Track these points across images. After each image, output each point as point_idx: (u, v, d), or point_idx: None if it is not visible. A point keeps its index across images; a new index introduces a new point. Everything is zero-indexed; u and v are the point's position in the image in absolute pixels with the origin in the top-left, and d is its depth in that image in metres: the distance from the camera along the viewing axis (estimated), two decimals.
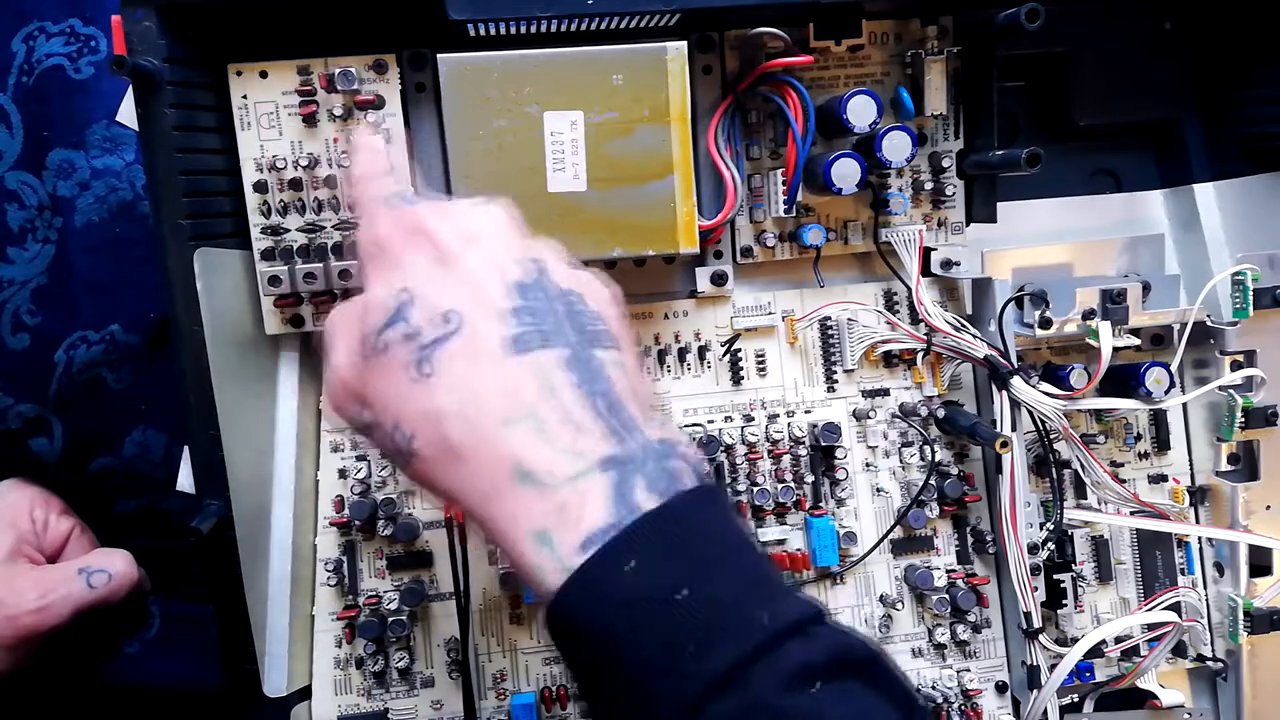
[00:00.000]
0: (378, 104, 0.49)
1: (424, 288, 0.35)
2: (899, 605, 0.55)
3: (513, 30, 0.48)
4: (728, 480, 0.54)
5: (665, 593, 0.30)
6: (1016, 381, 0.51)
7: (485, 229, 0.37)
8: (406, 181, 0.41)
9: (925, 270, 0.55)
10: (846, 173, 0.49)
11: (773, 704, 0.29)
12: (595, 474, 0.32)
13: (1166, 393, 0.52)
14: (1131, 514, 0.55)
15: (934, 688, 0.55)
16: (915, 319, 0.55)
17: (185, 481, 0.48)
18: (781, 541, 0.55)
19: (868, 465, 0.56)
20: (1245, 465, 0.55)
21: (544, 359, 0.34)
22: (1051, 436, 0.53)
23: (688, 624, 0.30)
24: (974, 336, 0.53)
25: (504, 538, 0.33)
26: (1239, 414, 0.53)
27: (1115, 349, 0.51)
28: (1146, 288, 0.54)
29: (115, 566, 0.50)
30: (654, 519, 0.31)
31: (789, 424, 0.55)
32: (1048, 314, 0.52)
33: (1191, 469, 0.57)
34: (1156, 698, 0.56)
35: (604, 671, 0.31)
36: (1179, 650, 0.56)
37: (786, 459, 0.55)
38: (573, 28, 0.47)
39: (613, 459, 0.33)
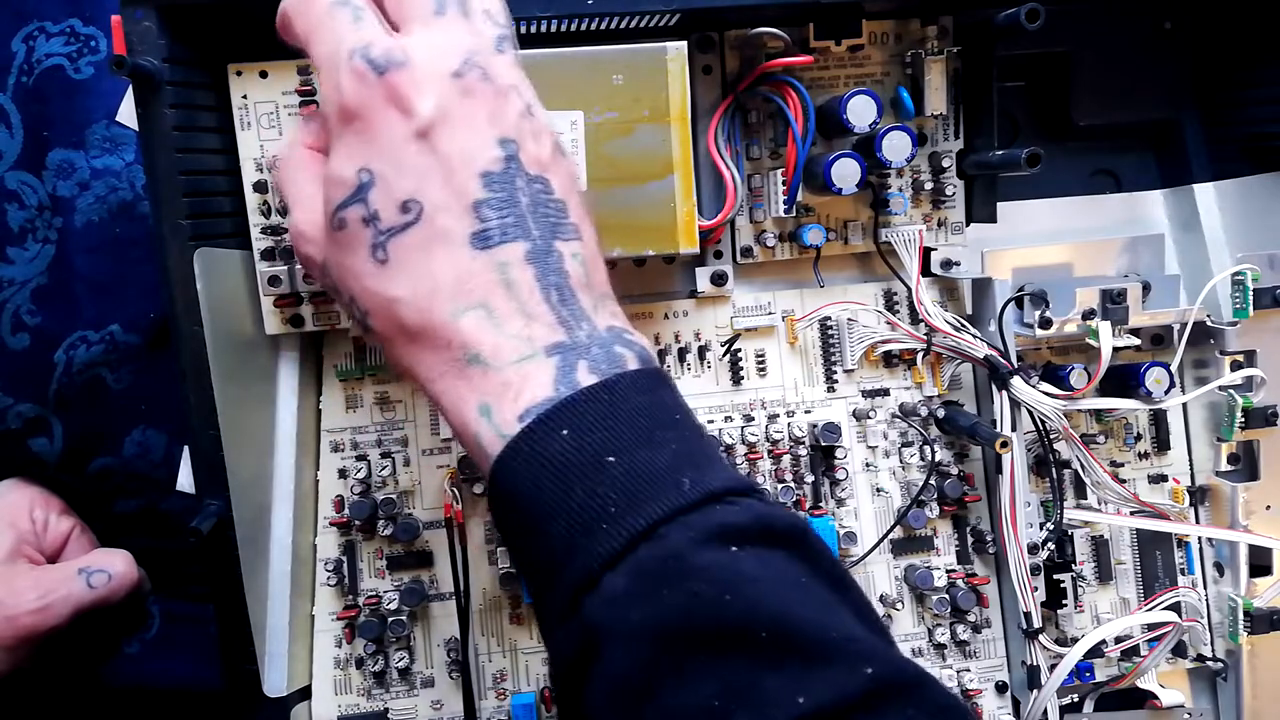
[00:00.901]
0: None
1: (387, 169, 0.34)
2: (899, 605, 0.55)
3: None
4: None
5: (595, 457, 0.32)
6: (1016, 381, 0.51)
7: (460, 104, 0.35)
8: (375, 24, 0.36)
9: (925, 270, 0.55)
10: (846, 173, 0.49)
11: (688, 556, 0.30)
12: (540, 358, 0.34)
13: (1166, 393, 0.52)
14: (1131, 514, 0.55)
15: None
16: (915, 319, 0.55)
17: (185, 481, 0.48)
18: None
19: (868, 465, 0.56)
20: (1245, 465, 0.55)
21: (503, 254, 0.35)
22: (1051, 436, 0.53)
23: (613, 487, 0.31)
24: (974, 336, 0.53)
25: (453, 413, 0.35)
26: (1239, 414, 0.53)
27: (1115, 349, 0.51)
28: (1146, 288, 0.54)
29: (115, 566, 0.50)
30: (591, 392, 0.33)
31: (789, 424, 0.55)
32: (1048, 314, 0.52)
33: (1191, 469, 0.57)
34: (1156, 698, 0.56)
35: (533, 533, 0.32)
36: (1179, 650, 0.56)
37: (786, 459, 0.55)
38: (573, 28, 0.47)
39: (559, 345, 0.34)
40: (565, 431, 0.32)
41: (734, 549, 0.30)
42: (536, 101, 0.38)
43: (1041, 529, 0.54)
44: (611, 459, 0.32)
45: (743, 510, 0.32)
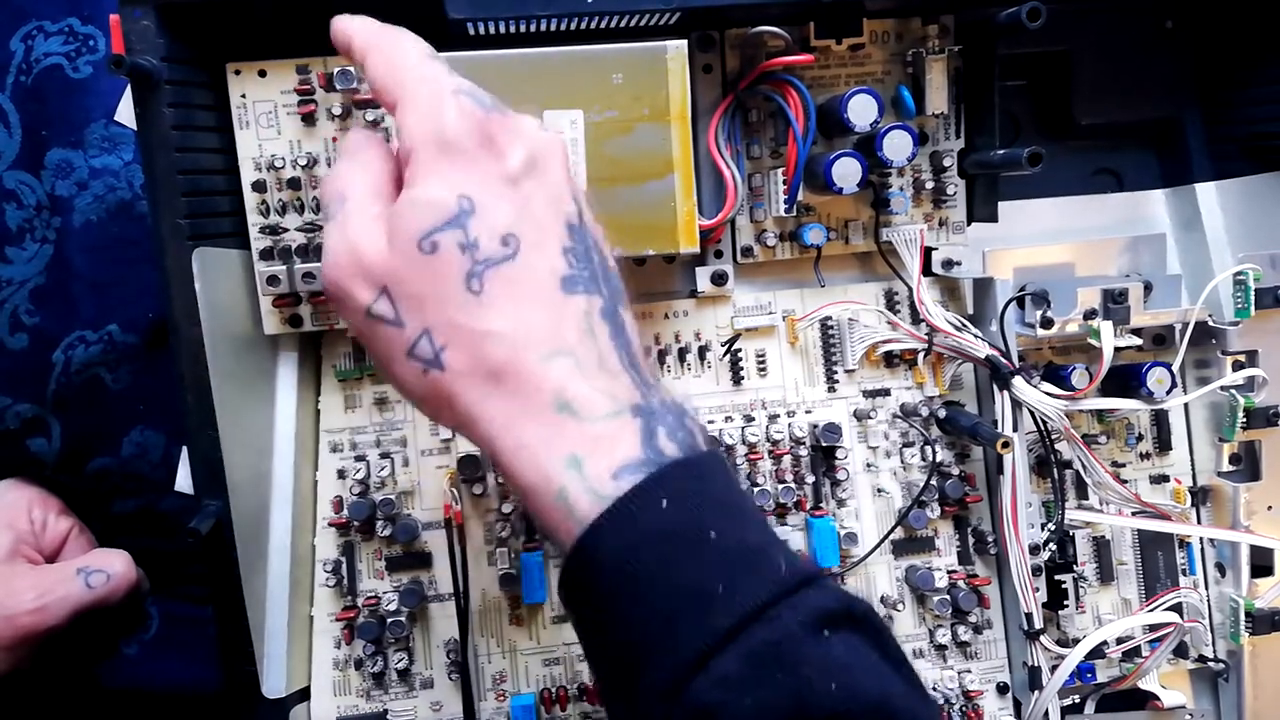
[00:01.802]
0: (377, 103, 0.48)
1: (487, 201, 0.34)
2: (900, 606, 0.55)
3: (512, 29, 0.47)
4: None
5: (697, 532, 0.31)
6: (1018, 381, 0.51)
7: (549, 155, 0.36)
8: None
9: (926, 270, 0.55)
10: (847, 172, 0.49)
11: (797, 642, 0.30)
12: (626, 416, 0.33)
13: (1168, 393, 0.52)
14: (1133, 514, 0.55)
15: (935, 689, 0.55)
16: (916, 319, 0.55)
17: (184, 482, 0.48)
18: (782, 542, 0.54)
19: (868, 466, 0.56)
20: (1247, 465, 0.55)
21: (586, 304, 0.35)
22: (1053, 437, 0.53)
23: (718, 564, 0.31)
24: (975, 336, 0.53)
25: (530, 464, 0.33)
26: (1240, 414, 0.53)
27: (1117, 349, 0.51)
28: (1148, 287, 0.54)
29: (114, 567, 0.50)
30: (683, 466, 0.32)
31: (789, 424, 0.54)
32: (1049, 314, 0.52)
33: (1193, 469, 0.57)
34: (1158, 698, 0.56)
35: (627, 607, 0.31)
36: (1180, 651, 0.56)
37: (787, 459, 0.54)
38: (572, 26, 0.47)
39: (640, 407, 0.34)
40: (665, 502, 0.31)
41: (826, 633, 0.31)
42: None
43: (1043, 529, 0.53)
44: (713, 534, 0.31)
45: (829, 594, 0.32)
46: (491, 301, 0.33)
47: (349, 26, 0.38)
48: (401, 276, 0.34)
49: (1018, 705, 0.56)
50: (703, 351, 0.54)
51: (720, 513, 0.32)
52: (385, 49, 0.37)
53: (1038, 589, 0.52)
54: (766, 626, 0.30)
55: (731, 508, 0.33)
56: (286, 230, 0.49)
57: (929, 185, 0.54)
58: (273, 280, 0.49)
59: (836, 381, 0.55)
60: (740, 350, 0.55)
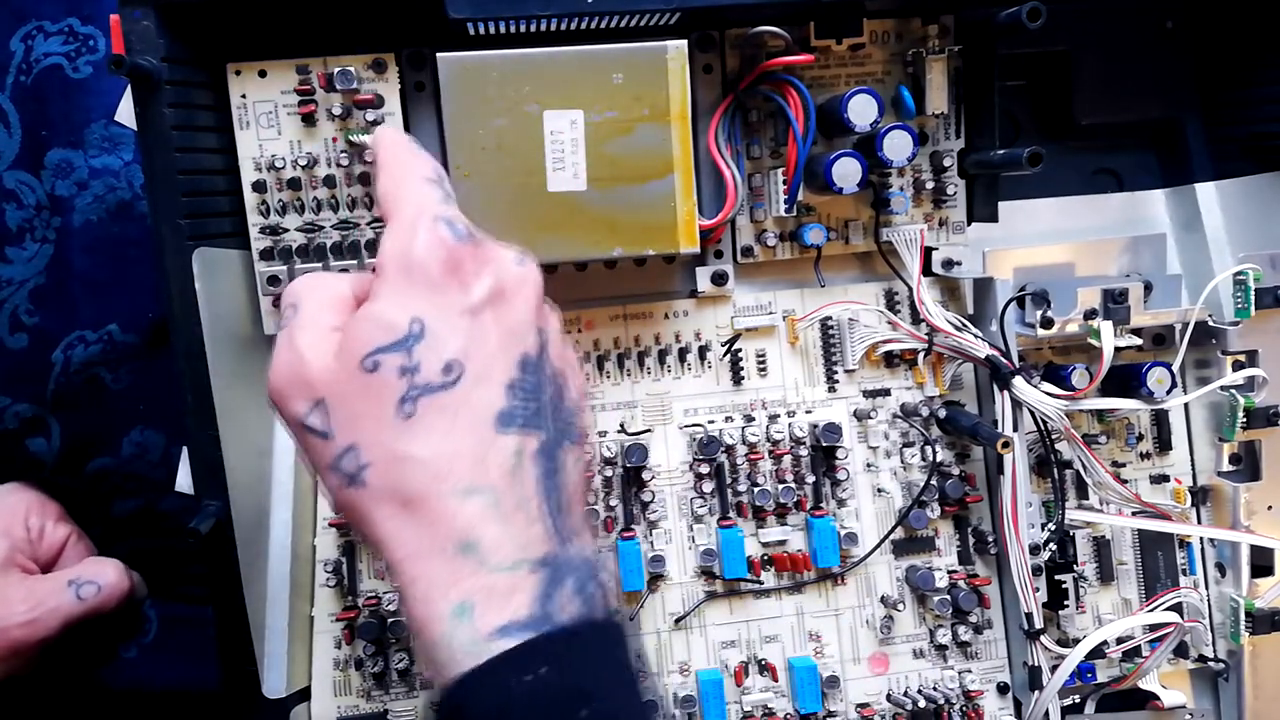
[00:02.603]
0: (377, 103, 0.49)
1: (439, 327, 0.34)
2: (900, 606, 0.55)
3: (512, 29, 0.47)
4: (728, 480, 0.54)
5: (569, 706, 0.31)
6: (1018, 381, 0.51)
7: (518, 288, 0.37)
8: (453, 196, 0.39)
9: (926, 270, 0.55)
10: (847, 172, 0.49)
11: None
12: (530, 568, 0.33)
13: (1168, 393, 0.52)
14: (1133, 514, 0.55)
15: (935, 689, 0.55)
16: (916, 319, 0.55)
17: (184, 482, 0.48)
18: (782, 542, 0.55)
19: (869, 466, 0.56)
20: (1247, 465, 0.55)
21: (520, 442, 0.35)
22: (1053, 437, 0.53)
23: None
24: (975, 336, 0.53)
25: (421, 600, 0.33)
26: (1241, 414, 0.53)
27: (1117, 349, 0.51)
28: (1148, 287, 0.54)
29: (105, 577, 0.49)
30: (572, 634, 0.32)
31: (790, 424, 0.54)
32: (1049, 314, 0.52)
33: (1193, 469, 0.57)
34: (1158, 698, 0.56)
35: None
36: (1181, 651, 0.56)
37: (787, 459, 0.54)
38: (572, 26, 0.47)
39: (549, 558, 0.33)
40: (545, 669, 0.31)
41: None
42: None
43: (1043, 529, 0.53)
44: (584, 713, 0.31)
45: None
46: (420, 428, 0.34)
47: (378, 140, 0.41)
48: (339, 391, 0.34)
49: (1018, 705, 0.56)
50: (703, 351, 0.54)
51: (599, 689, 0.32)
52: (393, 167, 0.39)
53: (1038, 589, 0.52)
54: None
55: (612, 685, 0.33)
56: (287, 230, 0.49)
57: (929, 185, 0.54)
58: (273, 280, 0.49)
59: (837, 381, 0.55)
60: (740, 350, 0.55)
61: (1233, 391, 0.53)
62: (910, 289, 0.54)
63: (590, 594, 0.34)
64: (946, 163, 0.53)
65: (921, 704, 0.54)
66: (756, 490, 0.54)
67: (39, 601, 0.47)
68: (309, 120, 0.49)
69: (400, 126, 0.49)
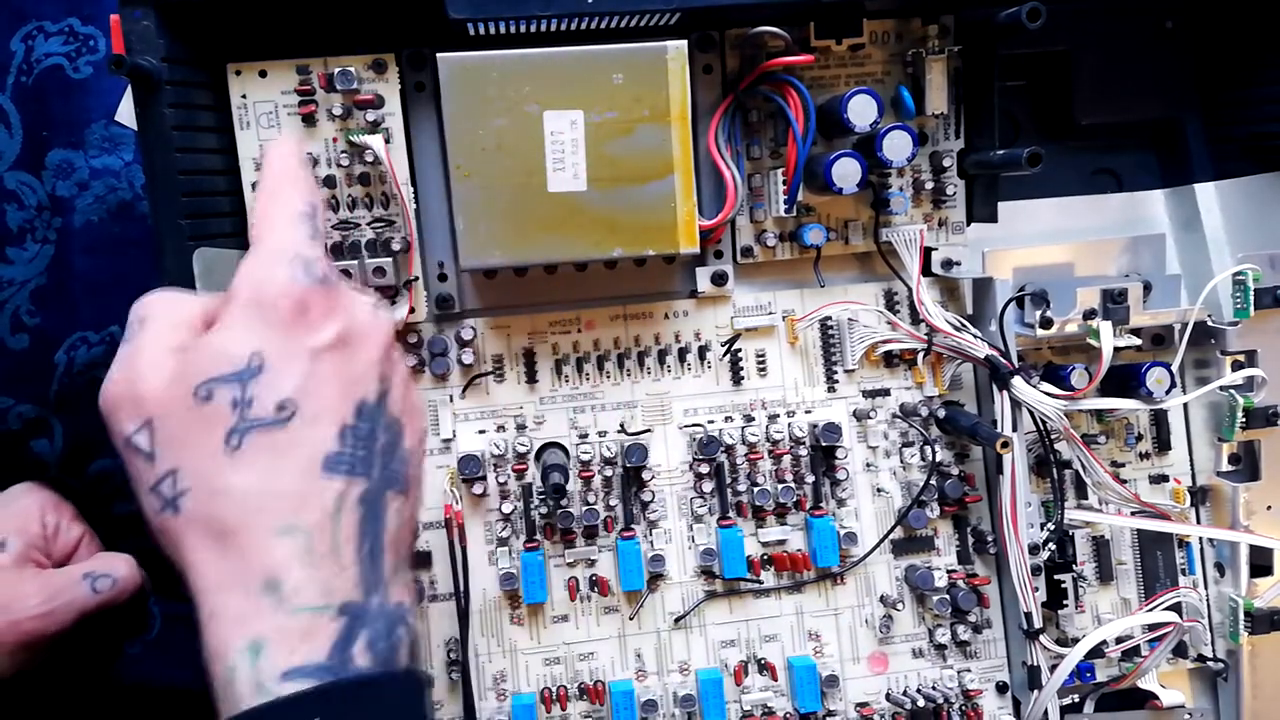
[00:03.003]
0: (377, 103, 0.49)
1: (278, 364, 0.34)
2: (900, 605, 0.55)
3: (513, 29, 0.47)
4: (728, 480, 0.54)
5: None
6: (1017, 381, 0.51)
7: (365, 336, 0.37)
8: (322, 232, 0.39)
9: (926, 270, 0.55)
10: (847, 172, 0.49)
11: None
12: (331, 614, 0.33)
13: (1167, 393, 0.52)
14: (1132, 514, 0.55)
15: (934, 688, 0.55)
16: (916, 319, 0.55)
17: None
18: (782, 542, 0.55)
19: (868, 465, 0.56)
20: (1246, 465, 0.55)
21: (344, 486, 0.35)
22: (1052, 436, 0.53)
23: None
24: (975, 336, 0.53)
25: (216, 633, 0.33)
26: (1240, 414, 0.53)
27: (1116, 349, 0.51)
28: (1147, 287, 0.54)
29: (119, 570, 0.50)
30: (356, 687, 0.32)
31: (789, 424, 0.55)
32: (1048, 314, 0.52)
33: (1192, 469, 0.57)
34: (1157, 698, 0.56)
35: None
36: (1180, 650, 0.56)
37: (787, 459, 0.54)
38: (573, 27, 0.47)
39: (351, 605, 0.34)
40: (317, 718, 0.31)
41: None
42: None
43: (1042, 529, 0.53)
44: None
45: None
46: (244, 462, 0.33)
47: (266, 157, 0.41)
48: (170, 414, 0.34)
49: (1017, 704, 0.56)
50: (703, 351, 0.54)
51: None
52: (270, 193, 0.39)
53: (1037, 588, 0.52)
54: None
55: None
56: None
57: (929, 185, 0.54)
58: None
59: (836, 381, 0.55)
60: (740, 350, 0.55)
61: (1232, 391, 0.54)
62: (910, 289, 0.54)
63: (390, 645, 0.34)
64: (946, 163, 0.53)
65: (921, 703, 0.54)
66: (756, 490, 0.54)
67: (54, 594, 0.48)
68: (309, 120, 0.49)
69: (402, 127, 0.49)
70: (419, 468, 0.39)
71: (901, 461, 0.56)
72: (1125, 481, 0.55)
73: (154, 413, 0.34)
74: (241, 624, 0.32)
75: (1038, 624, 0.52)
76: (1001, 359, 0.52)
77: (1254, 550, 0.55)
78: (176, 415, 0.34)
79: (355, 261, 0.49)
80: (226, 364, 0.34)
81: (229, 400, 0.34)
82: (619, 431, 0.54)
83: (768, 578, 0.55)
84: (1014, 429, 0.51)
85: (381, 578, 0.35)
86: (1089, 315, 0.52)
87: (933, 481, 0.55)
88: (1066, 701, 0.55)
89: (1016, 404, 0.51)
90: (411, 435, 0.38)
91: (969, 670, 0.56)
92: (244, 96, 0.48)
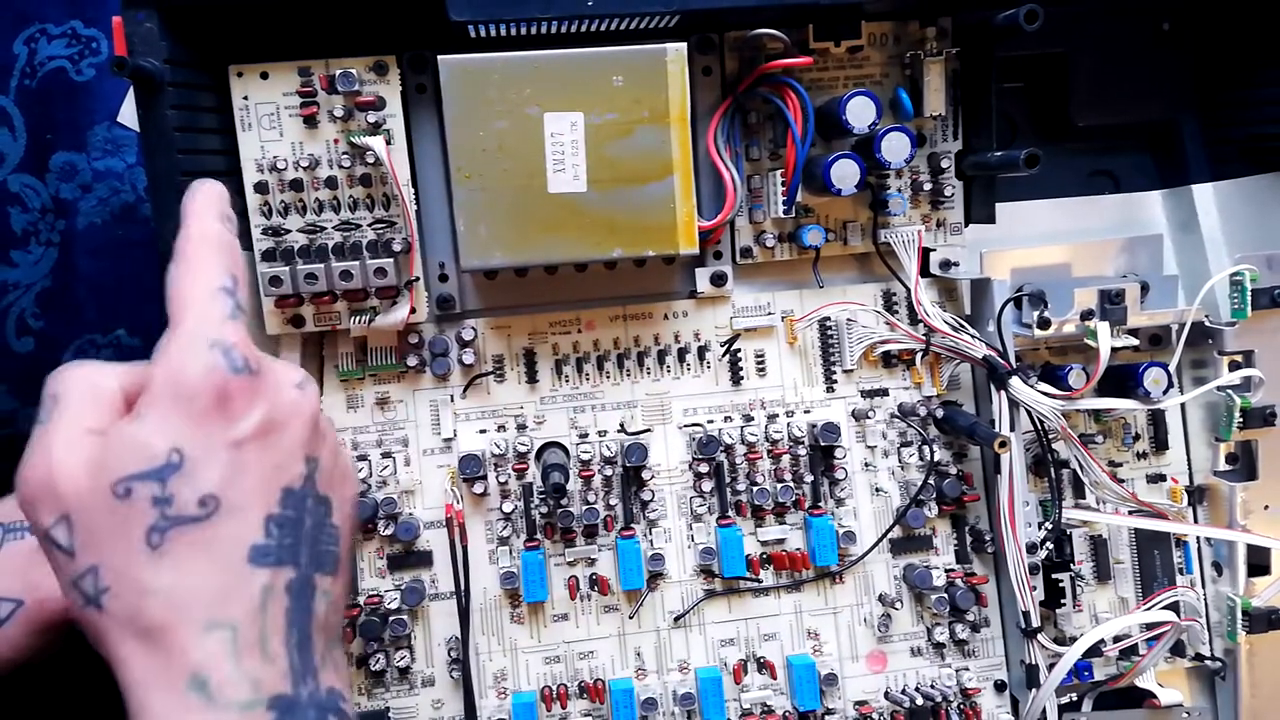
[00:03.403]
0: (378, 105, 0.49)
1: (199, 458, 0.33)
2: (898, 604, 0.55)
3: (513, 31, 0.48)
4: (727, 479, 0.54)
5: None
6: (1015, 382, 0.51)
7: (287, 421, 0.36)
8: (243, 302, 0.37)
9: (924, 271, 0.55)
10: (845, 173, 0.49)
11: None
12: (260, 709, 0.33)
13: (1165, 393, 0.52)
14: (1130, 514, 0.55)
15: (933, 686, 0.55)
16: (914, 319, 0.55)
17: None
18: (781, 541, 0.55)
19: (867, 465, 0.56)
20: (1243, 465, 0.56)
21: (271, 577, 0.34)
22: (1050, 436, 0.53)
23: None
24: (972, 337, 0.53)
25: None
26: (1237, 414, 0.54)
27: (1113, 349, 0.52)
28: (1145, 288, 0.54)
29: None
30: None
31: (788, 424, 0.55)
32: (1046, 314, 0.52)
33: (1190, 469, 0.57)
34: (1155, 697, 0.56)
35: None
36: (1177, 649, 0.56)
37: (786, 459, 0.55)
38: (573, 29, 0.48)
39: (281, 699, 0.33)
40: None
41: None
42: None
43: (1040, 528, 0.54)
44: None
45: None
46: (167, 560, 0.33)
47: (185, 211, 0.38)
48: (88, 509, 0.33)
49: (1015, 703, 0.56)
50: (702, 352, 0.55)
51: None
52: (188, 263, 0.37)
53: (1035, 587, 0.52)
54: None
55: None
56: (289, 231, 0.50)
57: (927, 187, 0.54)
58: (275, 281, 0.50)
59: (835, 381, 0.56)
60: (739, 350, 0.55)
61: (1229, 391, 0.54)
62: (908, 290, 0.54)
63: None
64: (944, 164, 0.54)
65: (919, 702, 0.54)
66: (755, 489, 0.54)
67: None
68: (311, 122, 0.49)
69: (403, 129, 0.49)
70: (350, 537, 0.38)
71: (900, 461, 0.56)
72: (1123, 481, 0.56)
73: (72, 507, 0.33)
74: None
75: (1036, 623, 0.53)
76: (999, 359, 0.52)
77: (1251, 549, 0.55)
78: (95, 511, 0.33)
79: (356, 262, 0.49)
80: (145, 460, 0.33)
81: (148, 498, 0.33)
82: (619, 431, 0.54)
83: (767, 577, 0.55)
84: (1012, 429, 0.52)
85: (311, 665, 0.35)
86: (1086, 316, 0.52)
87: (931, 481, 0.55)
88: (1064, 700, 0.56)
89: (1014, 404, 0.51)
90: (340, 508, 0.38)
91: (967, 669, 0.56)
92: (246, 98, 0.49)
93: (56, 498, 0.33)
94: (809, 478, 0.55)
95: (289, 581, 0.35)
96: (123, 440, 0.33)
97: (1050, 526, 0.54)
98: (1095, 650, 0.54)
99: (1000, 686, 0.56)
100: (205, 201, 0.39)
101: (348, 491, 0.39)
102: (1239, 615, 0.55)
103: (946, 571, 0.55)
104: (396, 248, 0.50)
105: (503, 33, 0.48)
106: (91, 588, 0.33)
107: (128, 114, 0.47)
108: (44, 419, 0.35)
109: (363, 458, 0.53)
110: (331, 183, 0.50)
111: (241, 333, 0.36)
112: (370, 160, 0.49)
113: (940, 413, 0.55)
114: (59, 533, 0.33)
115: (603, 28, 0.48)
